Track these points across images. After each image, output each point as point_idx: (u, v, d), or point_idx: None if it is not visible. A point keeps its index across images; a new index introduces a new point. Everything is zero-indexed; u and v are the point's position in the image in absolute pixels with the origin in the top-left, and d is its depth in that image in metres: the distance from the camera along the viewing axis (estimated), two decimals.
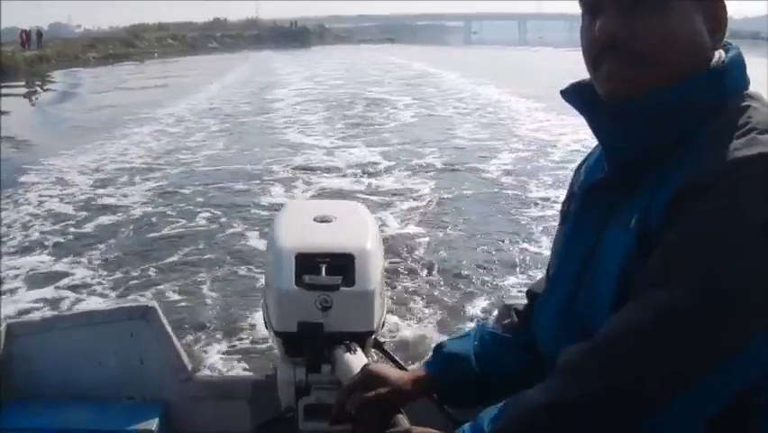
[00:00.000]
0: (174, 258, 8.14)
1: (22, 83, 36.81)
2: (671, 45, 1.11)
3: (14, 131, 18.33)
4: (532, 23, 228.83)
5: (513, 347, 1.51)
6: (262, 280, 2.26)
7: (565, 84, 1.30)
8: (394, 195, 11.49)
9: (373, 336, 2.03)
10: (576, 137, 13.87)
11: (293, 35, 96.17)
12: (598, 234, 1.19)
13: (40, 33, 59.79)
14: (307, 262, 1.96)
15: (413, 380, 1.53)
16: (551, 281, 1.33)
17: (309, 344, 1.91)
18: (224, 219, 9.91)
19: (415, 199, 11.15)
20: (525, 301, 1.57)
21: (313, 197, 10.20)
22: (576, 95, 1.26)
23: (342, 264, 1.97)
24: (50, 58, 51.23)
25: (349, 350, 1.85)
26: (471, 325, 5.92)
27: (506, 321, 1.58)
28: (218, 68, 44.47)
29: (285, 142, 16.79)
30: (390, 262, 7.35)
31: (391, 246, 8.05)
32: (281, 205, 2.98)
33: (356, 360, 1.80)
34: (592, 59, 1.17)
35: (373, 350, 2.11)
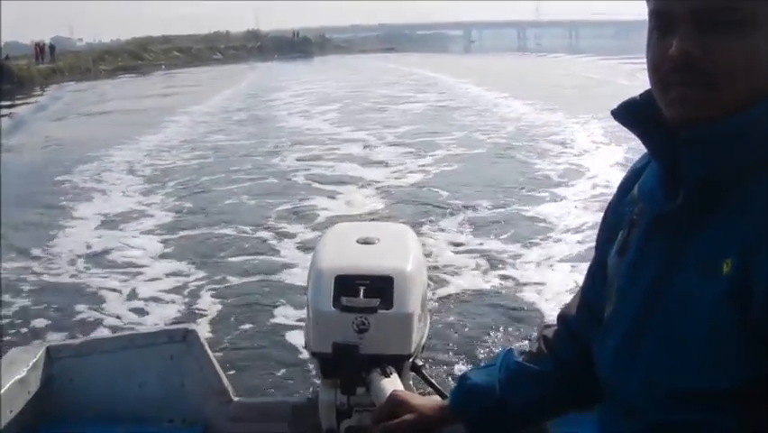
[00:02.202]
0: (214, 278, 8.08)
1: (38, 94, 37.41)
2: (749, 68, 1.07)
3: None
4: (530, 30, 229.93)
5: (537, 379, 1.48)
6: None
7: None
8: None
9: (411, 360, 2.04)
10: None
11: (295, 46, 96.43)
12: (665, 269, 1.14)
13: (52, 47, 61.07)
14: (346, 284, 1.98)
15: (439, 408, 1.54)
16: (612, 314, 1.26)
17: (344, 365, 1.92)
18: (262, 236, 9.75)
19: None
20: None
21: (359, 218, 10.03)
22: (631, 116, 1.21)
23: (381, 287, 1.98)
24: (64, 70, 52.43)
25: (384, 373, 1.87)
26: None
27: (533, 349, 1.54)
28: (227, 78, 45.62)
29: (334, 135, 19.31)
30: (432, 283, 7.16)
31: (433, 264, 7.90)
32: (330, 223, 3.01)
33: (390, 384, 1.82)
34: (661, 79, 1.11)
35: (412, 374, 2.12)
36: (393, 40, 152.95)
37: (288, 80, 40.84)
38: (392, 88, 32.97)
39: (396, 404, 1.55)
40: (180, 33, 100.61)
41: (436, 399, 1.66)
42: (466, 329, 6.49)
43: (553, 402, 1.51)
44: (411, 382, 2.11)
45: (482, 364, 1.62)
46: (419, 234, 8.60)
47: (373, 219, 9.90)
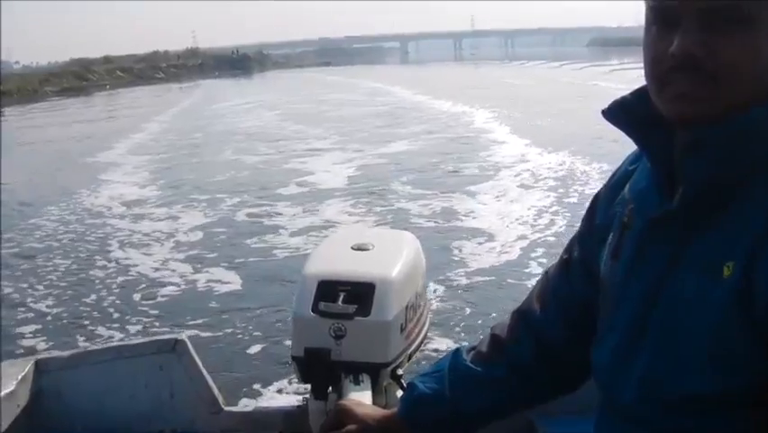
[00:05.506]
0: (202, 287, 8.13)
1: None
2: (755, 66, 1.02)
3: None
4: (467, 40, 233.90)
5: (489, 384, 1.41)
6: None
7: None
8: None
9: (389, 369, 1.99)
10: None
11: (235, 63, 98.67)
12: (663, 272, 1.10)
13: None
14: (328, 290, 1.96)
15: (384, 418, 1.50)
16: (608, 318, 1.21)
17: (315, 370, 1.94)
18: (249, 240, 9.82)
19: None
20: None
21: (366, 223, 10.22)
22: (623, 116, 1.17)
23: (362, 293, 1.95)
24: (12, 92, 53.47)
25: (356, 381, 1.87)
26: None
27: (483, 348, 1.45)
28: (174, 96, 48.10)
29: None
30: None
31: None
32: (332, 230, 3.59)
33: (359, 392, 1.81)
34: (659, 76, 1.06)
35: (392, 383, 2.06)
36: (330, 53, 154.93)
37: (234, 94, 43.61)
38: (339, 95, 36.72)
39: (340, 414, 1.51)
40: (119, 54, 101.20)
41: (388, 409, 1.64)
42: (462, 336, 6.35)
43: (508, 405, 1.47)
44: (399, 393, 2.00)
45: (430, 369, 1.53)
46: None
47: (379, 225, 9.90)
